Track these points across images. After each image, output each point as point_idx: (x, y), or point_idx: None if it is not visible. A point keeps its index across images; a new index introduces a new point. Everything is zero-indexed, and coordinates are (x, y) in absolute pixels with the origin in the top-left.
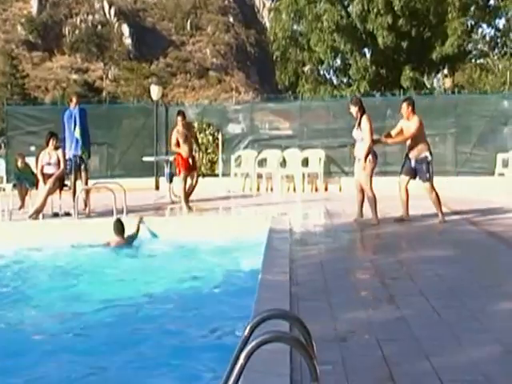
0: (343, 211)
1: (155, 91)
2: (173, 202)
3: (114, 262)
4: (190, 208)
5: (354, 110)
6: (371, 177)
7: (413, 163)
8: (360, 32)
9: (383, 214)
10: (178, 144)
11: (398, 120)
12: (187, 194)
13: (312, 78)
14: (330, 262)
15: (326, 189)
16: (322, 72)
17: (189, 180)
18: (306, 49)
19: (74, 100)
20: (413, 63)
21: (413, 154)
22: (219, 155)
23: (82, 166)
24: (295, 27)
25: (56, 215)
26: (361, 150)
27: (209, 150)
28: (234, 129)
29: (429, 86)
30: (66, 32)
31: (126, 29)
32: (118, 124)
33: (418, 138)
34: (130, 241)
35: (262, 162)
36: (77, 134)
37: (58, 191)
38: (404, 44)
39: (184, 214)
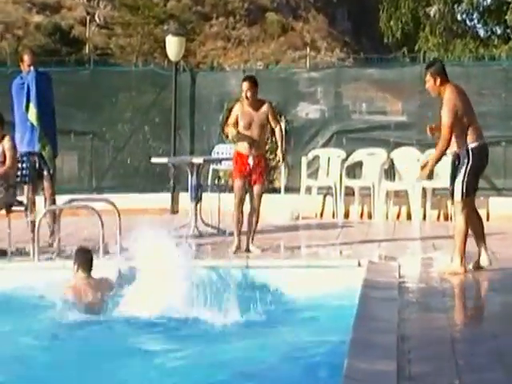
0: (493, 255)
1: (174, 46)
2: (200, 235)
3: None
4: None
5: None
6: None
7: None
8: None
9: None
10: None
11: None
12: (250, 228)
13: (442, 27)
14: (467, 343)
15: None
16: (458, 16)
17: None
18: None
19: (27, 59)
20: None
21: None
22: (280, 156)
23: (45, 172)
24: None
25: (2, 253)
26: None
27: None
28: (307, 112)
29: None
30: None
31: None
32: (110, 101)
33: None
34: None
35: (353, 169)
36: (31, 116)
37: (4, 211)
38: None
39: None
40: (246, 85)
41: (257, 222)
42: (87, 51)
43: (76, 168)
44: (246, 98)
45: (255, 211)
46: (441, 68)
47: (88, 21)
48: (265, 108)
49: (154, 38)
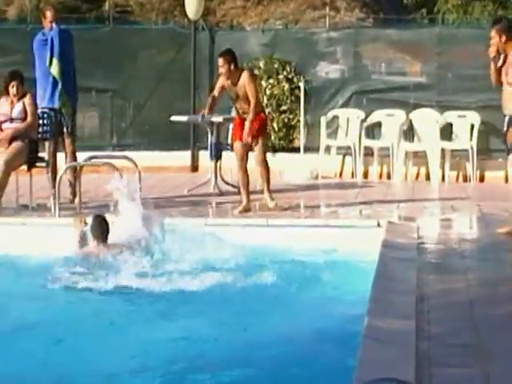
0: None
1: (193, 5)
2: (221, 193)
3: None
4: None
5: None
6: None
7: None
8: None
9: None
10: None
11: None
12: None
13: None
14: (485, 304)
15: (482, 178)
16: None
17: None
18: None
19: (49, 15)
20: None
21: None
22: (301, 116)
23: (65, 128)
24: None
25: (24, 208)
26: None
27: (283, 107)
28: (326, 72)
29: None
30: None
31: None
32: (130, 59)
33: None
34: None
35: (372, 130)
36: (54, 71)
37: (25, 167)
38: None
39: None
40: (219, 61)
41: (267, 178)
42: (107, 8)
43: (97, 126)
44: (220, 74)
45: (259, 167)
46: (507, 26)
47: None
48: (241, 81)
49: None
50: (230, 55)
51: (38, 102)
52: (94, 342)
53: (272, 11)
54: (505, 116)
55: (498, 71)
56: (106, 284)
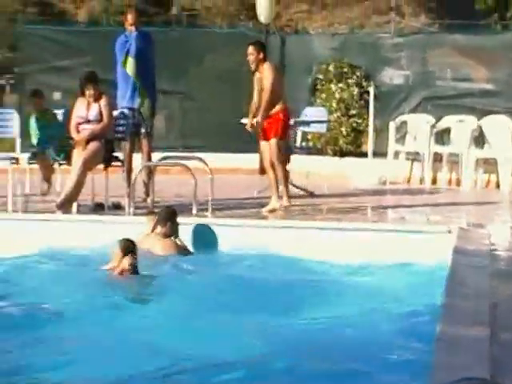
0: None
1: (265, 9)
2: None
3: None
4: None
5: None
6: None
7: None
8: None
9: None
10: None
11: None
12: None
13: None
14: None
15: None
16: None
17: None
18: None
19: (130, 18)
20: None
21: None
22: (369, 121)
23: (143, 129)
24: None
25: (99, 207)
26: None
27: (352, 112)
28: (393, 77)
29: None
30: None
31: None
32: (197, 62)
33: None
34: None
35: (442, 136)
36: (128, 68)
37: (102, 167)
38: None
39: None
40: (249, 49)
41: (274, 181)
42: (175, 12)
43: (163, 127)
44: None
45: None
46: None
47: None
48: (262, 72)
49: (241, 1)
50: (260, 44)
51: (119, 101)
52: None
53: (337, 15)
54: None
55: None
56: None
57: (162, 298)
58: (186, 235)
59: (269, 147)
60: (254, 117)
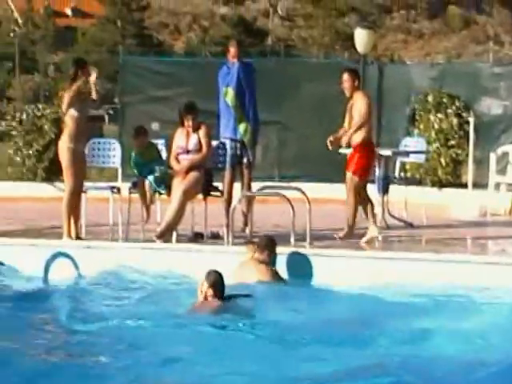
0: None
1: (363, 39)
2: (387, 227)
3: None
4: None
5: None
6: None
7: None
8: None
9: None
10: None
11: None
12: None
13: None
14: None
15: None
16: None
17: None
18: None
19: (232, 51)
20: None
21: None
22: (470, 152)
23: (244, 159)
24: None
25: (198, 236)
26: None
27: (451, 142)
28: (491, 107)
29: None
30: None
31: None
32: (293, 92)
33: None
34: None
35: None
36: (228, 98)
37: (201, 197)
38: None
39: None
40: (344, 76)
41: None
42: (270, 43)
43: (259, 156)
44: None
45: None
46: None
47: (271, 13)
48: (354, 100)
49: (335, 31)
50: (354, 72)
51: (222, 132)
52: None
53: (433, 44)
54: None
55: None
56: None
57: (252, 324)
58: (282, 264)
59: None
60: (337, 138)
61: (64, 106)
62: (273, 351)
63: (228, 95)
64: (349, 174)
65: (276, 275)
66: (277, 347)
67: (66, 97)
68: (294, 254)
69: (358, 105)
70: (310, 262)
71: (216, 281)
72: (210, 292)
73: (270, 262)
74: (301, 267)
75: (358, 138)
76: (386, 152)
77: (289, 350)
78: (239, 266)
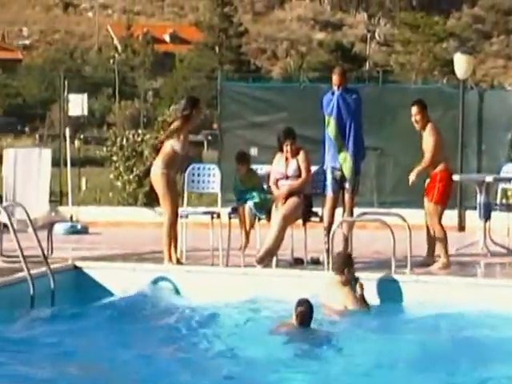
0: None
1: (462, 64)
2: (489, 254)
3: None
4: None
5: None
6: None
7: None
8: None
9: None
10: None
11: None
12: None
13: None
14: None
15: None
16: None
17: None
18: None
19: (334, 80)
20: None
21: None
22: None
23: (347, 185)
24: None
25: (298, 262)
26: None
27: None
28: None
29: None
30: None
31: None
32: (392, 117)
33: None
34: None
35: None
36: (329, 129)
37: (301, 222)
38: None
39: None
40: (412, 109)
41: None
42: (368, 68)
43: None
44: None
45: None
46: None
47: (369, 38)
48: (425, 133)
49: (434, 56)
50: (423, 104)
51: (326, 158)
52: None
53: None
54: None
55: None
56: None
57: (334, 353)
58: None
59: (426, 209)
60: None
61: (169, 134)
62: None
63: (329, 126)
64: (430, 204)
65: (357, 300)
66: None
67: (176, 129)
68: (382, 278)
69: (425, 142)
70: (399, 286)
71: (305, 310)
72: (298, 321)
73: (352, 278)
74: (389, 292)
75: (431, 170)
76: (489, 178)
77: None
78: (324, 291)
